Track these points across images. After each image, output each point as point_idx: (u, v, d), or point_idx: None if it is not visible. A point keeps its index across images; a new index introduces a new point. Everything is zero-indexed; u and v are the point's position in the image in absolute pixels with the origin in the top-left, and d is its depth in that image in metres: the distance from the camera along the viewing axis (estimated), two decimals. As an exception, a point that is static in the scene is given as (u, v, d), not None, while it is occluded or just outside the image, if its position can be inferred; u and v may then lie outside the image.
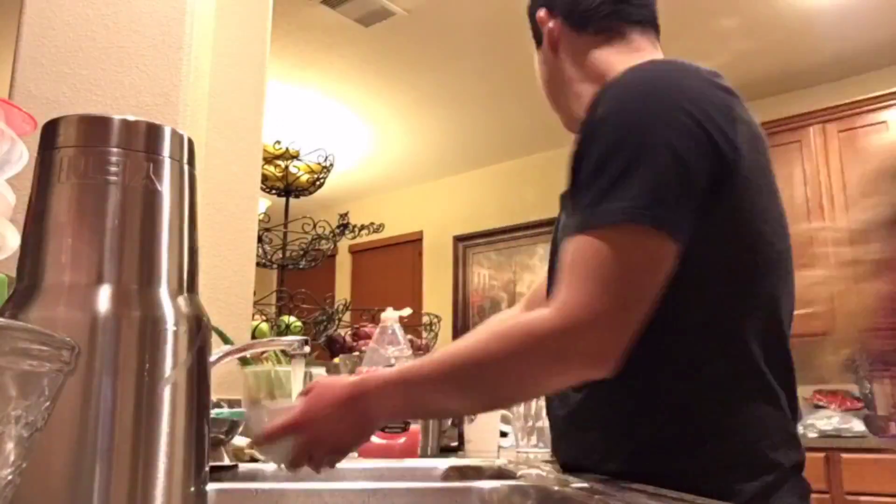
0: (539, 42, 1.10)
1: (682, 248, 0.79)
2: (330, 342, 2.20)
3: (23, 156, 0.58)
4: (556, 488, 0.79)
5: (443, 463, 1.14)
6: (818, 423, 3.37)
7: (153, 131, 0.45)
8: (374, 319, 2.34)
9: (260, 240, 2.45)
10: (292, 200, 2.84)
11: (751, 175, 0.85)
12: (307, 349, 1.05)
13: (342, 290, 6.20)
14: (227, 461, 1.08)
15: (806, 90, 4.02)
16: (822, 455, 3.14)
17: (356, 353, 1.76)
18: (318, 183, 2.87)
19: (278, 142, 2.78)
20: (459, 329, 5.57)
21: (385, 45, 3.87)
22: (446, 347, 0.86)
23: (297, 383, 1.08)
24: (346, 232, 2.85)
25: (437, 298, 5.67)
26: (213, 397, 1.09)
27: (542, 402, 1.42)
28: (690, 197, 0.79)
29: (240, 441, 1.16)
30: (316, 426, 0.84)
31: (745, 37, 3.64)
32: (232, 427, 1.09)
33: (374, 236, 3.35)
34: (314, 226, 2.73)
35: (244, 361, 1.43)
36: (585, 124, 0.87)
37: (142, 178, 0.43)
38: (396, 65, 4.10)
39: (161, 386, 0.41)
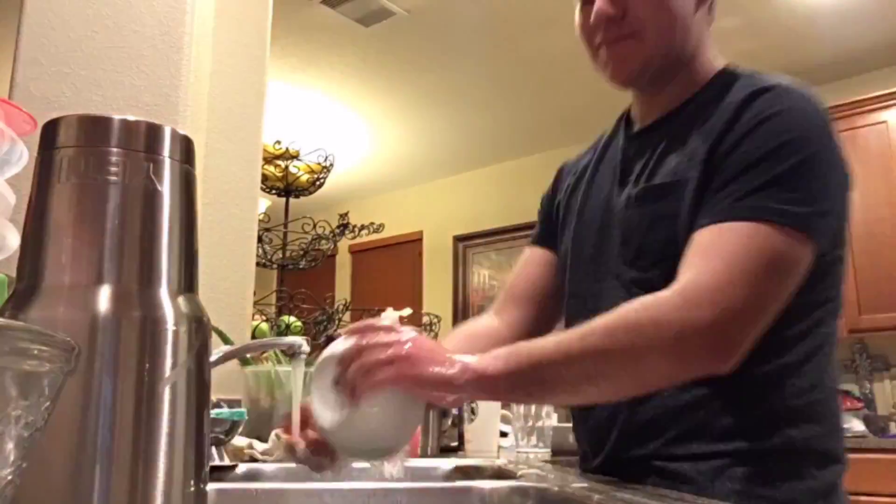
0: None
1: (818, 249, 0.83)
2: (330, 342, 2.20)
3: (23, 156, 0.58)
4: (556, 488, 0.79)
5: (443, 463, 1.14)
6: (818, 423, 3.37)
7: (153, 131, 0.45)
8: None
9: (260, 240, 2.45)
10: (292, 200, 2.84)
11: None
12: (307, 349, 1.05)
13: (342, 290, 6.20)
14: (227, 461, 1.08)
15: (806, 90, 4.02)
16: (822, 455, 3.14)
17: (356, 353, 1.76)
18: (318, 183, 2.87)
19: (278, 142, 2.79)
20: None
21: (385, 45, 3.87)
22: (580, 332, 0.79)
23: (298, 383, 1.08)
24: (346, 232, 2.85)
25: (437, 298, 5.67)
26: (213, 397, 1.09)
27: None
28: (846, 202, 0.87)
29: (240, 441, 1.16)
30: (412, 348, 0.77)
31: (745, 37, 3.64)
32: (232, 427, 1.09)
33: (374, 236, 3.35)
34: (314, 226, 2.73)
35: (244, 361, 1.43)
36: (743, 116, 0.86)
37: (142, 178, 0.43)
38: (396, 65, 4.10)
39: (161, 386, 0.41)
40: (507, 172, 5.54)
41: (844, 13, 3.46)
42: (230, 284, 1.75)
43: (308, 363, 1.37)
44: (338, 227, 2.82)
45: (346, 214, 2.93)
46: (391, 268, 6.14)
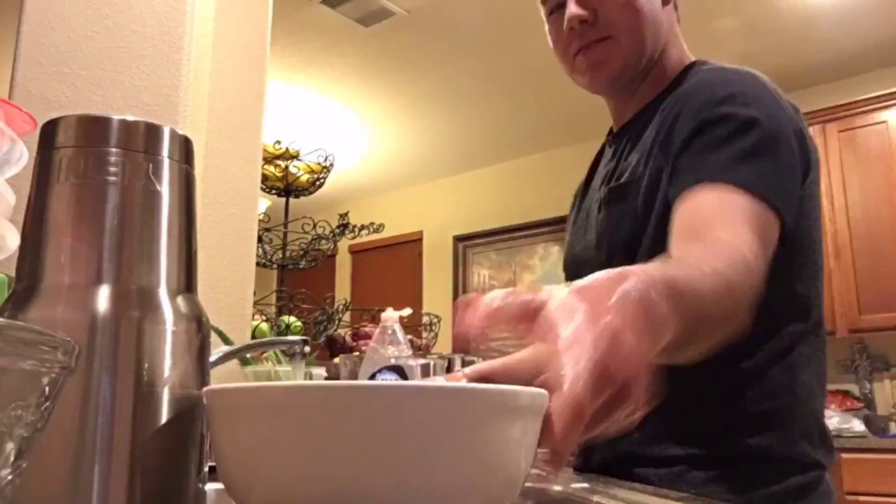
0: None
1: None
2: (330, 342, 2.20)
3: (23, 156, 0.58)
4: (556, 488, 0.79)
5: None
6: (818, 423, 3.37)
7: (152, 131, 0.45)
8: (374, 319, 2.35)
9: (260, 240, 2.45)
10: (292, 200, 2.84)
11: (813, 184, 0.88)
12: (307, 349, 1.05)
13: (342, 290, 6.20)
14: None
15: (806, 90, 4.02)
16: (822, 455, 3.14)
17: (356, 353, 1.77)
18: (318, 183, 2.87)
19: (278, 142, 2.78)
20: (459, 329, 5.57)
21: (385, 45, 3.87)
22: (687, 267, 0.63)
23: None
24: (346, 232, 2.85)
25: (437, 298, 5.67)
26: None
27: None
28: (797, 189, 0.83)
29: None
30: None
31: (744, 37, 3.64)
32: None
33: (374, 236, 3.35)
34: (314, 226, 2.73)
35: (244, 361, 1.43)
36: (688, 106, 0.85)
37: (141, 178, 0.43)
38: (396, 65, 4.10)
39: (160, 386, 0.41)
40: (507, 172, 5.54)
41: (844, 13, 3.45)
42: (230, 284, 1.75)
43: (308, 363, 1.37)
44: (338, 227, 2.81)
45: (346, 214, 2.93)
46: (391, 268, 6.14)
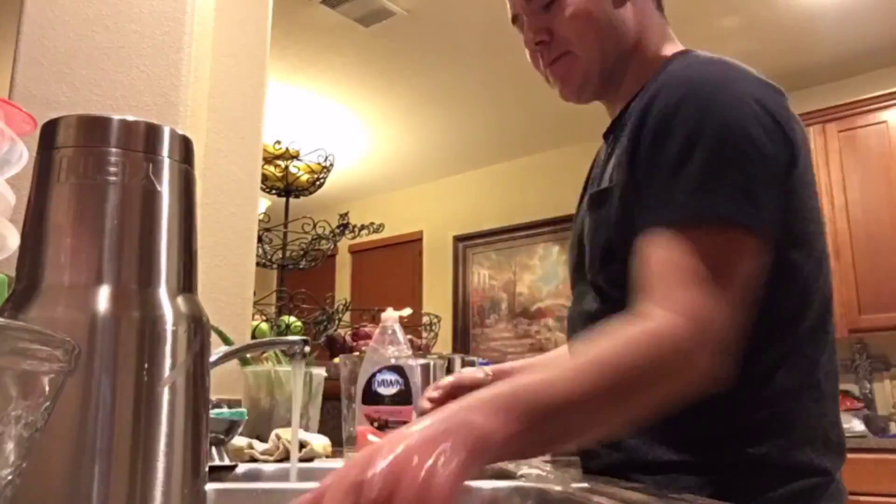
0: None
1: (769, 244, 0.78)
2: (330, 342, 2.20)
3: (23, 156, 0.58)
4: (556, 488, 0.79)
5: (443, 463, 1.14)
6: (818, 423, 3.37)
7: (152, 131, 0.45)
8: (374, 319, 2.35)
9: (260, 240, 2.45)
10: (292, 200, 2.84)
11: (805, 171, 0.85)
12: (307, 349, 1.05)
13: (342, 290, 6.20)
14: (227, 461, 1.08)
15: (806, 90, 4.02)
16: (822, 455, 3.14)
17: (356, 353, 1.77)
18: (318, 183, 2.87)
19: (278, 142, 2.78)
20: (459, 329, 5.58)
21: (385, 45, 3.87)
22: (560, 359, 0.74)
23: (298, 383, 1.08)
24: (346, 232, 2.85)
25: (437, 298, 5.67)
26: (213, 397, 1.09)
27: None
28: (773, 186, 0.79)
29: (240, 441, 1.16)
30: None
31: (745, 37, 3.64)
32: (232, 427, 1.09)
33: (374, 236, 3.35)
34: (314, 226, 2.73)
35: (244, 361, 1.43)
36: (649, 114, 0.84)
37: (141, 178, 0.43)
38: (396, 65, 4.10)
39: (160, 386, 0.41)
40: (507, 172, 5.54)
41: (844, 13, 3.46)
42: (230, 284, 1.75)
43: (308, 363, 1.37)
44: (338, 227, 2.81)
45: (346, 214, 2.93)
46: (391, 268, 6.14)
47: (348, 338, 2.17)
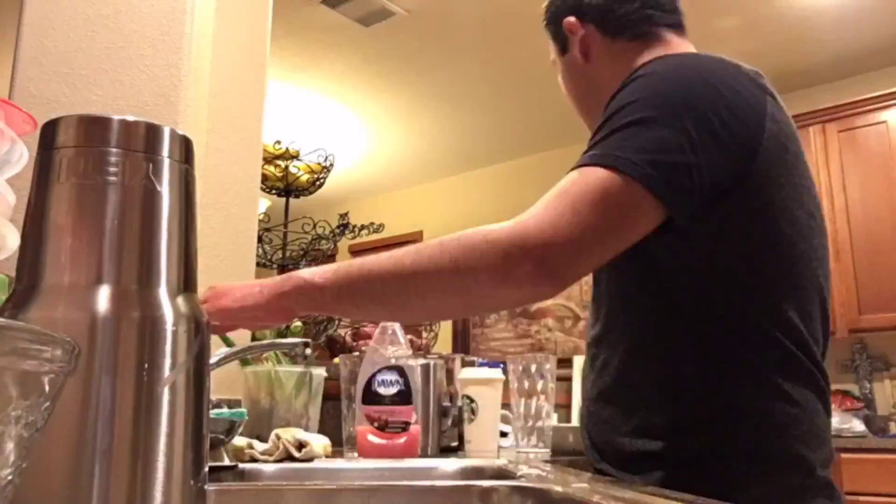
0: (563, 50, 1.09)
1: (668, 215, 0.79)
2: (330, 342, 2.20)
3: (23, 156, 0.58)
4: (556, 488, 0.79)
5: (443, 463, 1.14)
6: (818, 423, 3.37)
7: (152, 131, 0.45)
8: (374, 319, 2.34)
9: (260, 240, 2.45)
10: (292, 200, 2.84)
11: (772, 172, 0.85)
12: (308, 352, 1.05)
13: (342, 290, 6.18)
14: (227, 461, 1.08)
15: (806, 90, 4.02)
16: (822, 455, 3.14)
17: (356, 353, 1.77)
18: (318, 183, 2.87)
19: (278, 142, 2.78)
20: (459, 329, 5.57)
21: (385, 45, 3.87)
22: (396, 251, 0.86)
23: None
24: (346, 232, 2.85)
25: (437, 298, 5.66)
26: (213, 397, 1.09)
27: (543, 403, 1.42)
28: (688, 172, 0.80)
29: (240, 441, 1.16)
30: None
31: (745, 37, 3.64)
32: (232, 427, 1.09)
33: (374, 236, 3.35)
34: (314, 226, 2.73)
35: (244, 362, 1.43)
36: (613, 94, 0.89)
37: (141, 178, 0.43)
38: (396, 65, 4.10)
39: (160, 386, 0.41)
40: (507, 172, 5.54)
41: (844, 13, 3.45)
42: (230, 284, 1.75)
43: (308, 363, 1.37)
44: (338, 227, 2.81)
45: (346, 214, 2.93)
46: (391, 268, 6.13)
47: (348, 338, 2.17)
